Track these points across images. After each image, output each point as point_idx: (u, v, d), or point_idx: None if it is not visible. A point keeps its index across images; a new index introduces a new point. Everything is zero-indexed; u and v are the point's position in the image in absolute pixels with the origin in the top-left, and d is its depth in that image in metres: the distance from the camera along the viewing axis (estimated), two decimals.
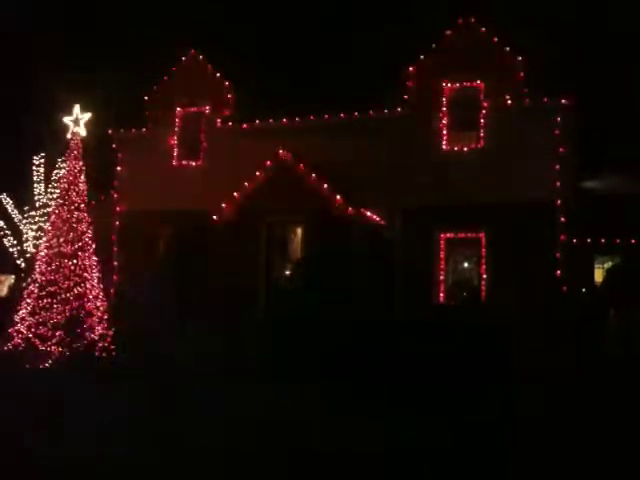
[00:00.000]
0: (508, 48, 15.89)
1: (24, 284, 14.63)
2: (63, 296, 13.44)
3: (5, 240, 22.86)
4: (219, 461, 6.50)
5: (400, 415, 8.53)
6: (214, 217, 16.16)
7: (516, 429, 7.97)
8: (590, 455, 6.99)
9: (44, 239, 14.50)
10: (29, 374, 11.88)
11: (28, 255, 22.07)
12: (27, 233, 23.00)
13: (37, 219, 22.86)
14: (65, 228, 13.98)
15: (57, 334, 12.99)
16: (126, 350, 13.18)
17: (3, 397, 9.16)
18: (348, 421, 8.15)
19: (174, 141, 18.84)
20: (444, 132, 16.18)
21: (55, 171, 22.27)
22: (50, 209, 18.96)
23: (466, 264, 16.42)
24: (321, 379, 10.33)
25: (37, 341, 12.99)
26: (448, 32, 16.38)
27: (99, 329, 13.82)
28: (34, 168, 23.25)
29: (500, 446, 7.21)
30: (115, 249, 18.99)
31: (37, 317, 13.23)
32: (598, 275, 16.07)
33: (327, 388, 9.94)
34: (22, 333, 13.20)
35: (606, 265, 16.07)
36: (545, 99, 15.40)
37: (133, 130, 19.40)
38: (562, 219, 15.17)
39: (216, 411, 8.58)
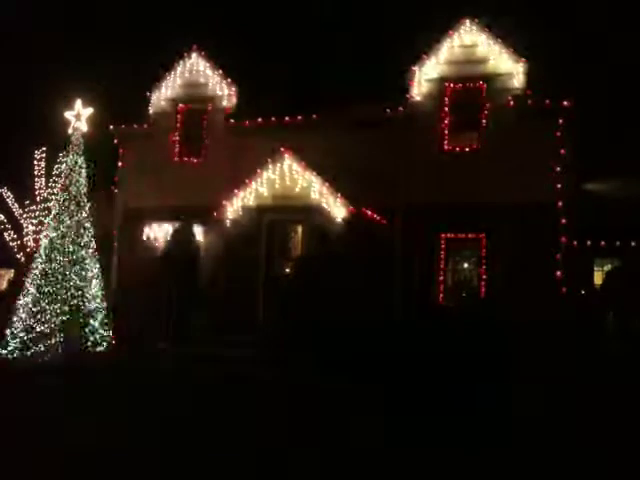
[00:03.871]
0: (510, 49, 15.89)
1: (24, 278, 14.62)
2: (62, 292, 13.44)
3: (5, 234, 22.85)
4: None
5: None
6: (215, 214, 16.21)
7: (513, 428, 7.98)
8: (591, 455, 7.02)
9: (44, 234, 14.51)
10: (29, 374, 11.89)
11: (28, 249, 22.07)
12: (27, 227, 22.98)
13: (37, 213, 22.84)
14: (65, 223, 13.99)
15: (56, 332, 12.97)
16: None
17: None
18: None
19: (176, 137, 18.82)
20: (445, 132, 16.17)
21: (56, 165, 22.26)
22: (51, 203, 18.98)
23: (466, 265, 16.42)
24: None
25: (36, 340, 12.96)
26: (451, 33, 16.38)
27: (97, 326, 13.85)
28: (35, 162, 23.23)
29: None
30: (115, 245, 18.99)
31: (36, 316, 13.17)
32: (598, 277, 16.06)
33: None
34: (20, 332, 13.16)
35: (606, 267, 16.07)
36: (547, 101, 15.36)
37: (135, 126, 19.36)
38: (562, 221, 15.15)
39: None
